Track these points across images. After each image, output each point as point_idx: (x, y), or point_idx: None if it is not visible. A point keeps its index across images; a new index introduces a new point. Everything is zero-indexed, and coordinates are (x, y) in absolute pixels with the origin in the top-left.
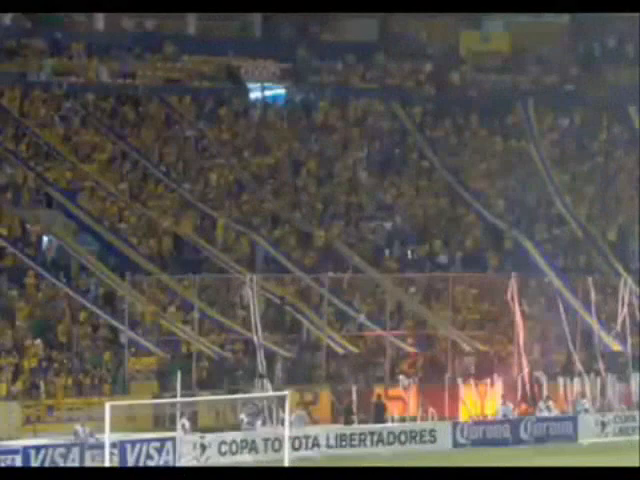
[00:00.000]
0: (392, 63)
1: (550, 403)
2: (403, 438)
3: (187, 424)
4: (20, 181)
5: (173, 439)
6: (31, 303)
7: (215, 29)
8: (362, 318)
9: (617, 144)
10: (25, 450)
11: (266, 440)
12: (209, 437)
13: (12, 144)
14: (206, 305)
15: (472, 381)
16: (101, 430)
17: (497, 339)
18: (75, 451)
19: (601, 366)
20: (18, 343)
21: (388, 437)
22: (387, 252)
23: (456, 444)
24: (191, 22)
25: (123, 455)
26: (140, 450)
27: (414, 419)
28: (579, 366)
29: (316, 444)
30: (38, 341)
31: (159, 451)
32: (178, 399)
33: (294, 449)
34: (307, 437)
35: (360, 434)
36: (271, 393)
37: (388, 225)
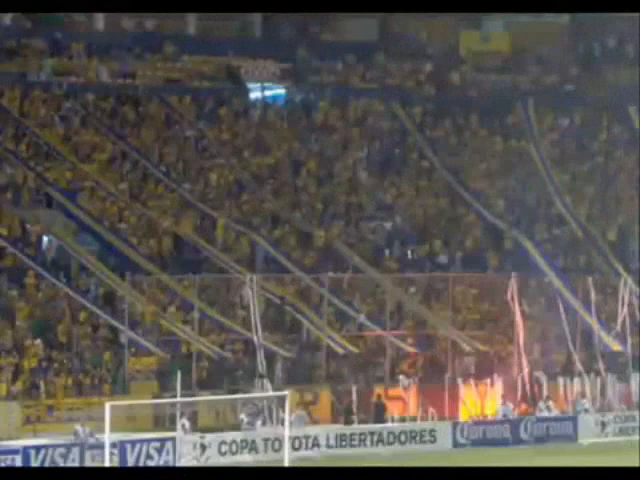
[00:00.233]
0: (392, 63)
1: (550, 403)
2: (403, 438)
3: (187, 424)
4: (20, 181)
5: (173, 439)
6: (31, 303)
7: (215, 29)
8: (362, 318)
9: (617, 144)
10: (25, 450)
11: (266, 440)
12: (209, 437)
13: (12, 144)
14: (206, 305)
15: (472, 381)
16: (101, 430)
17: (497, 339)
18: (75, 451)
19: (601, 366)
20: (18, 343)
21: (388, 437)
22: (387, 252)
23: (456, 444)
24: (191, 22)
25: (123, 455)
26: (140, 450)
27: (414, 419)
28: (579, 366)
29: (316, 444)
30: (38, 341)
31: (159, 451)
32: (178, 399)
33: (294, 449)
34: (307, 437)
35: (360, 434)
36: (271, 393)
37: (388, 225)
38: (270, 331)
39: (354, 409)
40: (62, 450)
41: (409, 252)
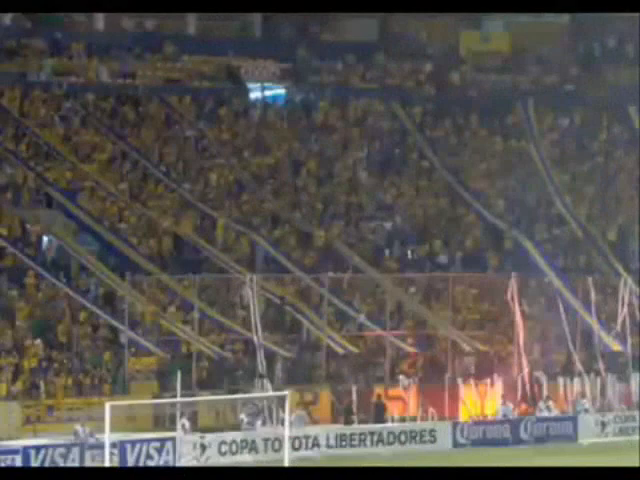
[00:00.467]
0: (392, 63)
1: (550, 403)
2: (403, 438)
3: (187, 424)
4: (20, 181)
5: (173, 439)
6: (31, 303)
7: (215, 29)
8: (362, 318)
9: (617, 144)
10: (25, 450)
11: (266, 440)
12: (209, 437)
13: (12, 144)
14: (206, 305)
15: (472, 381)
16: (101, 430)
17: (497, 339)
18: (75, 451)
19: (601, 366)
20: (18, 343)
21: (388, 437)
22: (387, 252)
23: (456, 444)
24: (191, 22)
25: (123, 455)
26: (140, 450)
27: (414, 419)
28: (579, 366)
29: (316, 444)
30: (38, 341)
31: (159, 451)
32: (178, 399)
33: (294, 449)
34: (307, 437)
35: (360, 434)
36: (271, 393)
37: (388, 225)
38: (270, 331)
39: (354, 409)
40: (62, 450)
41: (409, 252)
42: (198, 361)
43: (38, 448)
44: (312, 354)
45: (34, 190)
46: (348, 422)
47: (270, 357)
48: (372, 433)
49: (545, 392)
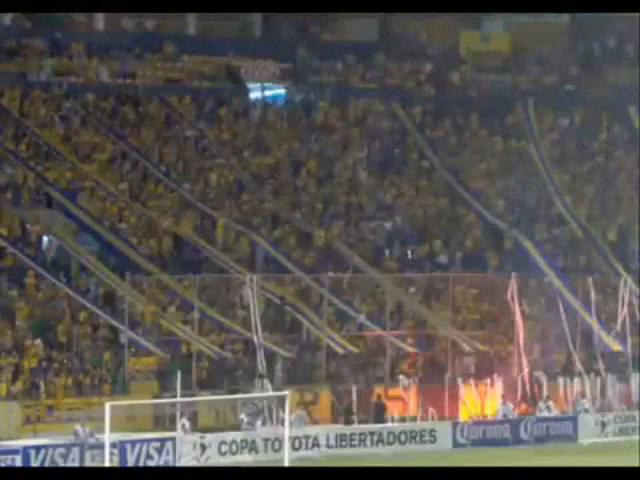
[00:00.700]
0: (392, 63)
1: (550, 403)
2: (403, 438)
3: (187, 424)
4: (20, 181)
5: (173, 439)
6: (31, 303)
7: (215, 29)
8: (362, 318)
9: (617, 144)
10: (25, 450)
11: (266, 440)
12: (209, 437)
13: (12, 144)
14: (206, 305)
15: (472, 381)
16: (101, 430)
17: (497, 339)
18: (75, 451)
19: (601, 366)
20: (18, 343)
21: (388, 437)
22: (387, 252)
23: (456, 444)
24: (191, 22)
25: (123, 455)
26: (140, 450)
27: (414, 419)
28: (579, 366)
29: (316, 444)
30: (38, 341)
31: (159, 451)
32: (178, 399)
33: (294, 449)
34: (307, 437)
35: (360, 434)
36: (271, 393)
37: (388, 225)
38: (270, 331)
39: (354, 409)
40: (62, 450)
41: (409, 252)
42: (198, 361)
43: (38, 448)
44: (312, 354)
45: (34, 190)
46: (348, 422)
47: (270, 357)
48: (372, 433)
49: (545, 392)
